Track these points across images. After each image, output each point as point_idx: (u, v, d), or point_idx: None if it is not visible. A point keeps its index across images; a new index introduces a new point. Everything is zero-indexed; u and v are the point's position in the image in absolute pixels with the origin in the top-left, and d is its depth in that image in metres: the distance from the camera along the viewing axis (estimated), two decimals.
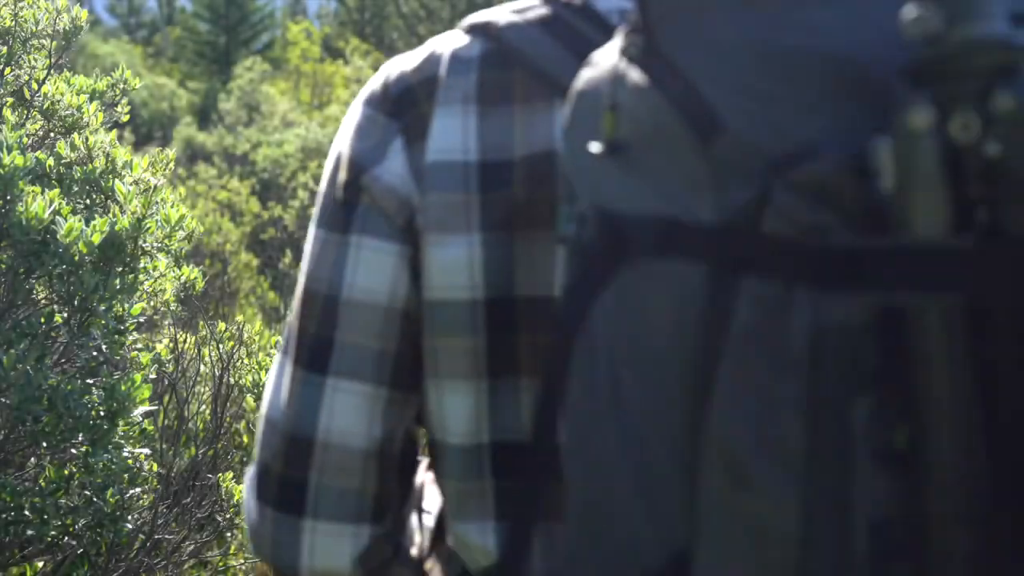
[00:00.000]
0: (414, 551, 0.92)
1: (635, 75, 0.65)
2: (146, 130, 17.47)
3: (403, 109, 0.84)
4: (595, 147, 0.66)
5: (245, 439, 4.08)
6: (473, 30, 0.85)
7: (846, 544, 0.60)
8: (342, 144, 0.87)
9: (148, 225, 2.20)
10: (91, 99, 2.71)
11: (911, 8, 0.58)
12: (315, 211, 0.87)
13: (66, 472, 2.14)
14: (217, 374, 3.03)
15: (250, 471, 0.89)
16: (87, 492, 2.16)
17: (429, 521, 0.92)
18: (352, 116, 0.87)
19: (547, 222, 0.79)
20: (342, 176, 0.85)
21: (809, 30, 0.63)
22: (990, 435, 0.59)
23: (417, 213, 0.82)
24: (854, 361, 0.60)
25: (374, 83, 0.88)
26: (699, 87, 0.63)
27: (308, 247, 0.87)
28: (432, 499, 0.94)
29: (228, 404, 3.01)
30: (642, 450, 0.64)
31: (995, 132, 0.56)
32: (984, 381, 0.59)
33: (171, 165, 2.72)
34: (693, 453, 0.62)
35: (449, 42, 0.86)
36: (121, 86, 2.82)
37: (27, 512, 2.10)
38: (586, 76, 0.69)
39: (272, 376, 0.88)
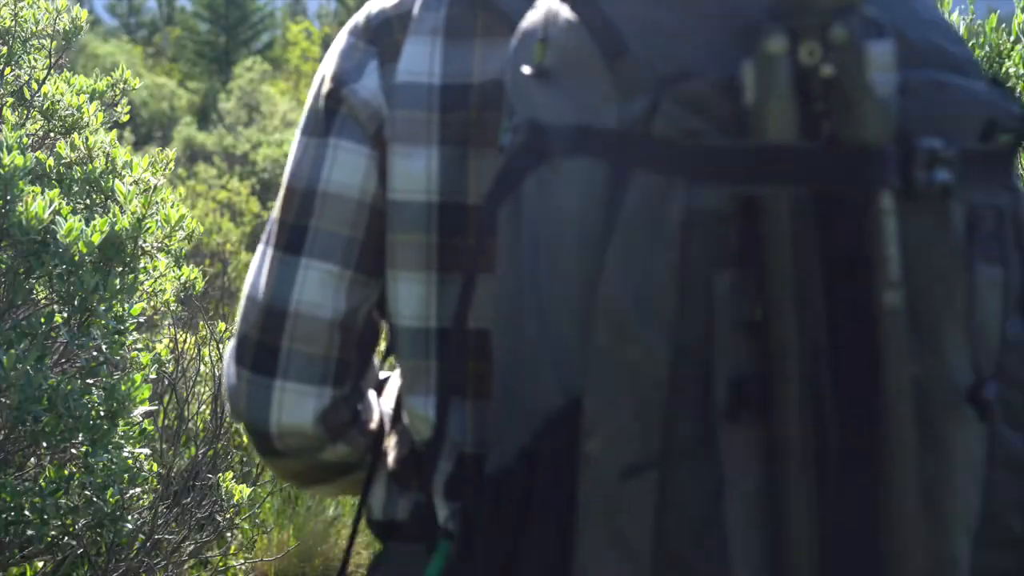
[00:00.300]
0: (372, 426, 1.06)
1: (565, 13, 0.81)
2: (146, 130, 17.46)
3: (380, 37, 0.99)
4: (527, 70, 0.82)
5: (245, 439, 4.07)
6: None
7: (706, 392, 0.75)
8: (327, 66, 1.01)
9: (148, 225, 2.20)
10: (91, 99, 2.71)
11: None
12: (300, 124, 1.01)
13: (66, 472, 2.14)
14: (217, 374, 3.03)
15: (230, 343, 1.04)
16: (87, 492, 2.16)
17: (388, 408, 1.08)
18: (337, 43, 1.02)
19: (495, 140, 0.91)
20: (325, 89, 1.00)
21: None
22: (831, 309, 0.75)
23: (385, 124, 0.97)
24: (718, 241, 0.75)
25: (358, 16, 1.02)
26: (612, 21, 0.79)
27: (292, 153, 1.02)
28: (392, 392, 1.10)
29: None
30: (552, 317, 0.78)
31: (831, 57, 0.74)
32: (825, 264, 0.75)
33: (171, 165, 2.72)
34: (588, 315, 0.76)
35: None
36: (121, 86, 2.82)
37: (27, 512, 2.10)
38: (529, 16, 0.85)
39: (254, 263, 1.03)
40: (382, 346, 1.08)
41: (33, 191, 2.11)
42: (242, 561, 3.19)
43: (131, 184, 2.43)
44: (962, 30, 2.33)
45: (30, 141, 2.61)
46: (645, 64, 0.78)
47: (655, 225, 0.75)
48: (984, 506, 0.83)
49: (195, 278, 2.80)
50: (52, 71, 2.71)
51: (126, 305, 2.20)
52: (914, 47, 0.83)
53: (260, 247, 1.03)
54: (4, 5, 2.66)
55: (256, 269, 1.03)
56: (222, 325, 3.19)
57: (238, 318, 1.04)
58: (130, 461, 2.22)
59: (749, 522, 0.76)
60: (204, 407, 3.14)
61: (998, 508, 0.84)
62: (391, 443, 1.06)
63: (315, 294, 0.98)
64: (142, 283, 2.45)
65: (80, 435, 2.10)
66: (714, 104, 0.76)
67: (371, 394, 1.09)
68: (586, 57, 0.80)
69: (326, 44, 27.54)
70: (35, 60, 2.72)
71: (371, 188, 0.98)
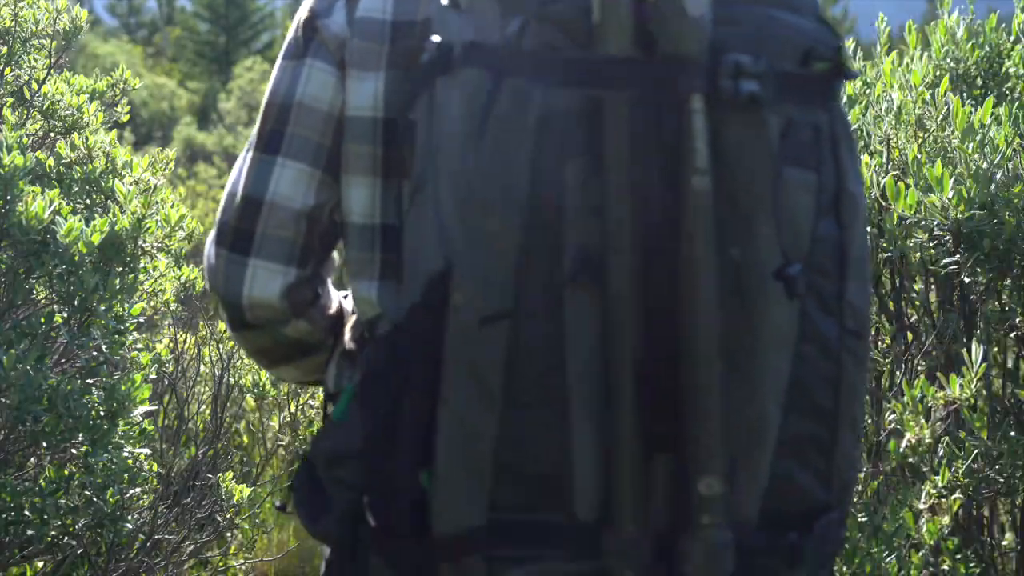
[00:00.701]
0: (331, 311, 1.25)
1: None
2: (146, 130, 17.45)
3: None
4: (444, 3, 1.02)
5: (245, 439, 4.08)
6: None
7: (556, 262, 0.95)
8: (304, 7, 1.19)
9: (148, 225, 2.20)
10: (91, 99, 2.71)
11: None
12: (280, 52, 1.21)
13: (66, 472, 2.14)
14: (217, 374, 3.03)
15: (212, 232, 1.21)
16: (87, 492, 2.16)
17: (348, 305, 1.26)
18: None
19: None
20: (302, 20, 1.19)
21: None
22: (660, 192, 0.96)
23: (346, 52, 1.15)
24: (568, 135, 0.96)
25: None
26: None
27: (273, 76, 1.20)
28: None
29: (228, 404, 3.01)
30: (441, 197, 0.97)
31: None
32: (655, 155, 0.96)
33: (171, 165, 2.72)
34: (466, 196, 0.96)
35: None
36: (121, 86, 2.82)
37: (27, 512, 2.10)
38: None
39: (237, 165, 1.21)
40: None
41: (33, 191, 2.11)
42: (242, 561, 3.19)
43: (131, 184, 2.43)
44: (962, 30, 2.33)
45: (30, 141, 2.61)
46: None
47: (517, 121, 0.96)
48: (793, 377, 1.00)
49: (195, 278, 2.80)
50: (52, 71, 2.71)
51: (126, 305, 2.21)
52: None
53: (243, 153, 1.21)
54: (4, 5, 2.66)
55: (238, 169, 1.20)
56: (222, 325, 3.19)
57: (219, 210, 1.21)
58: (130, 461, 2.22)
59: (585, 371, 0.96)
60: (204, 407, 3.14)
61: (806, 380, 1.01)
62: (347, 328, 1.24)
63: (288, 188, 1.16)
64: (142, 283, 2.45)
65: (80, 435, 2.10)
66: (572, 23, 0.97)
67: (331, 286, 1.26)
68: None
69: None
70: (35, 60, 2.72)
71: (338, 103, 1.15)
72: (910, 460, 1.86)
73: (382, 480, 0.99)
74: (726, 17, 1.00)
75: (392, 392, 0.99)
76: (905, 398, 1.84)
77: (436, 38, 1.01)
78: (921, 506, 1.82)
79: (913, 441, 1.84)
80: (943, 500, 1.85)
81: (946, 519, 1.80)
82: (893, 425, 1.88)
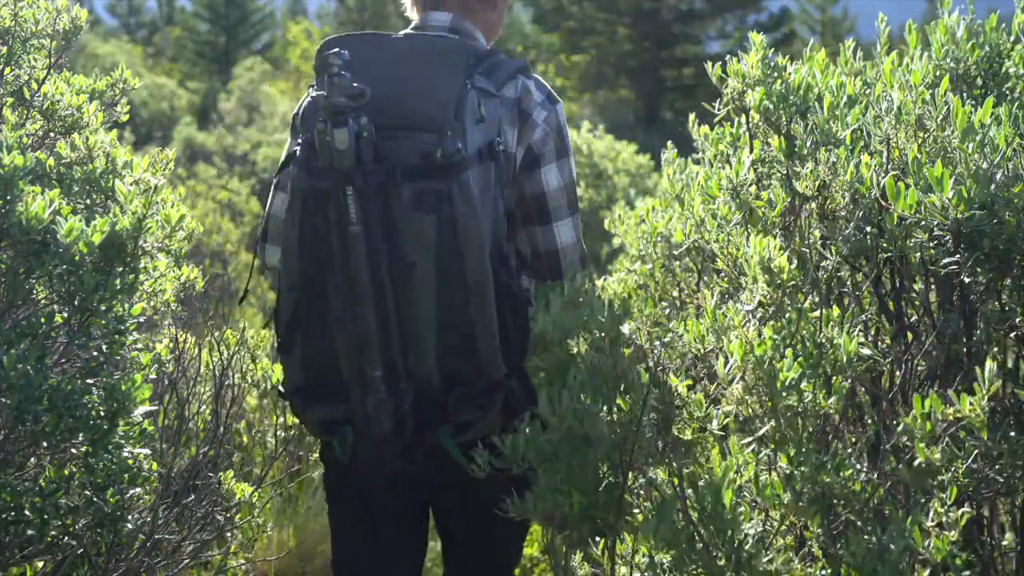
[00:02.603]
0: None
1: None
2: (146, 130, 17.45)
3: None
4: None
5: (245, 439, 4.07)
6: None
7: (329, 252, 2.12)
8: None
9: (148, 225, 2.20)
10: (91, 99, 2.71)
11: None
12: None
13: (66, 472, 2.14)
14: (217, 374, 3.03)
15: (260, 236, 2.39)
16: (87, 492, 2.16)
17: None
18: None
19: None
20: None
21: None
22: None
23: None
24: (323, 202, 2.07)
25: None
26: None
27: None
28: None
29: (228, 404, 3.01)
30: (285, 246, 2.21)
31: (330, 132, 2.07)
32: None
33: (171, 165, 2.72)
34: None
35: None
36: (121, 86, 2.82)
37: (27, 512, 2.10)
38: None
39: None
40: None
41: (33, 191, 2.11)
42: (242, 561, 3.19)
43: (131, 184, 2.43)
44: (962, 30, 2.33)
45: (30, 141, 2.61)
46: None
47: (292, 194, 2.13)
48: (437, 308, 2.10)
49: (195, 278, 2.79)
50: (52, 71, 2.71)
51: (126, 305, 2.20)
52: (390, 116, 2.08)
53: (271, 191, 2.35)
54: (4, 5, 2.66)
55: (269, 199, 2.35)
56: (228, 333, 3.19)
57: (261, 222, 2.39)
58: (130, 461, 2.22)
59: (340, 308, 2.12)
60: (204, 407, 3.14)
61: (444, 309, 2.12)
62: None
63: (278, 207, 2.30)
64: (142, 283, 2.45)
65: (80, 435, 2.10)
66: (321, 145, 2.06)
67: None
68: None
69: None
70: (35, 60, 2.72)
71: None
72: (920, 473, 1.84)
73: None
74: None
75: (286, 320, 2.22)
76: (913, 413, 1.82)
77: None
78: (929, 524, 1.80)
79: (923, 464, 1.82)
80: (950, 515, 1.83)
81: (953, 534, 1.78)
82: (903, 441, 1.87)
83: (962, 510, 1.83)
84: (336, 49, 2.04)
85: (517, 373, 2.15)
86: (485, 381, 2.11)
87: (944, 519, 1.78)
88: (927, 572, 1.76)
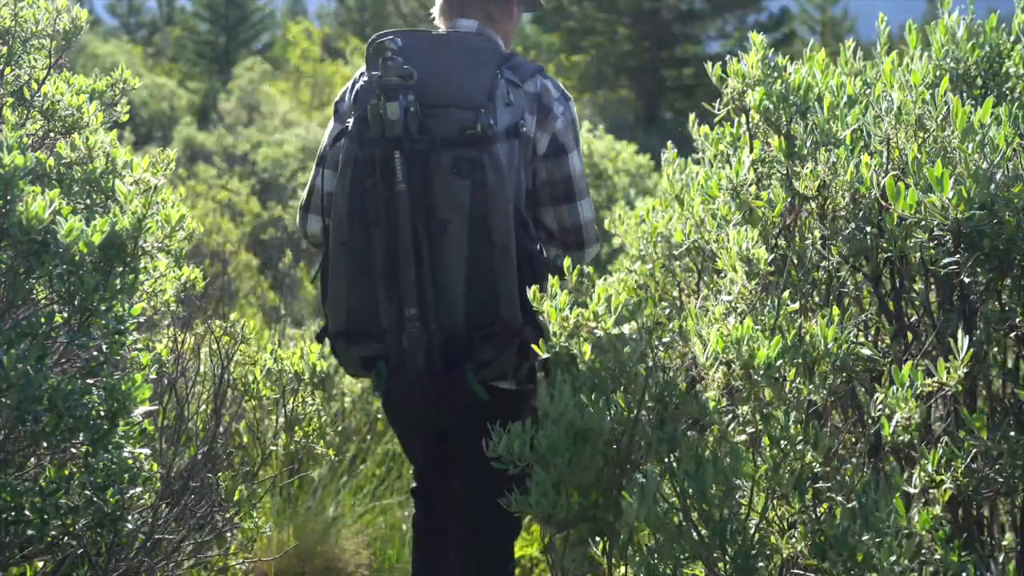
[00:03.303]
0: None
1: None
2: (146, 130, 17.44)
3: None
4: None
5: (245, 439, 4.07)
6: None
7: (372, 227, 2.51)
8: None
9: (148, 225, 2.19)
10: (91, 99, 2.71)
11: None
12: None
13: (66, 472, 2.14)
14: (217, 374, 3.02)
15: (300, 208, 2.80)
16: (87, 492, 2.16)
17: None
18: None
19: None
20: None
21: None
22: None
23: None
24: (371, 169, 2.47)
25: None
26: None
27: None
28: None
29: (228, 404, 3.01)
30: (336, 202, 2.57)
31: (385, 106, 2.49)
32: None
33: (171, 165, 2.72)
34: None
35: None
36: (121, 86, 2.82)
37: (27, 512, 2.10)
38: None
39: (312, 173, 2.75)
40: None
41: (33, 191, 2.11)
42: (242, 561, 3.19)
43: (131, 184, 2.43)
44: (962, 30, 2.33)
45: (30, 141, 2.61)
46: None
47: (344, 163, 2.51)
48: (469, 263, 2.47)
49: (195, 278, 2.79)
50: (52, 71, 2.71)
51: (126, 305, 2.20)
52: (433, 96, 2.46)
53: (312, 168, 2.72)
54: (4, 5, 2.66)
55: (311, 174, 2.71)
56: (227, 337, 3.19)
57: (303, 193, 2.76)
58: (130, 461, 2.21)
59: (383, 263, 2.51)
60: (204, 407, 3.14)
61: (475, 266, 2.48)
62: None
63: (326, 183, 2.63)
64: (142, 283, 2.45)
65: (80, 435, 2.10)
66: (369, 126, 2.47)
67: None
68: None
69: (326, 44, 27.51)
70: (35, 60, 2.71)
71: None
72: (901, 439, 1.87)
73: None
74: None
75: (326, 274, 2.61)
76: (895, 385, 1.85)
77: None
78: (912, 490, 1.83)
79: (903, 421, 1.85)
80: (935, 490, 1.85)
81: (937, 508, 1.81)
82: (883, 410, 1.89)
83: (945, 486, 1.85)
84: (391, 36, 2.45)
85: (531, 322, 2.42)
86: (503, 327, 2.46)
87: (928, 489, 1.82)
88: (911, 543, 1.77)
